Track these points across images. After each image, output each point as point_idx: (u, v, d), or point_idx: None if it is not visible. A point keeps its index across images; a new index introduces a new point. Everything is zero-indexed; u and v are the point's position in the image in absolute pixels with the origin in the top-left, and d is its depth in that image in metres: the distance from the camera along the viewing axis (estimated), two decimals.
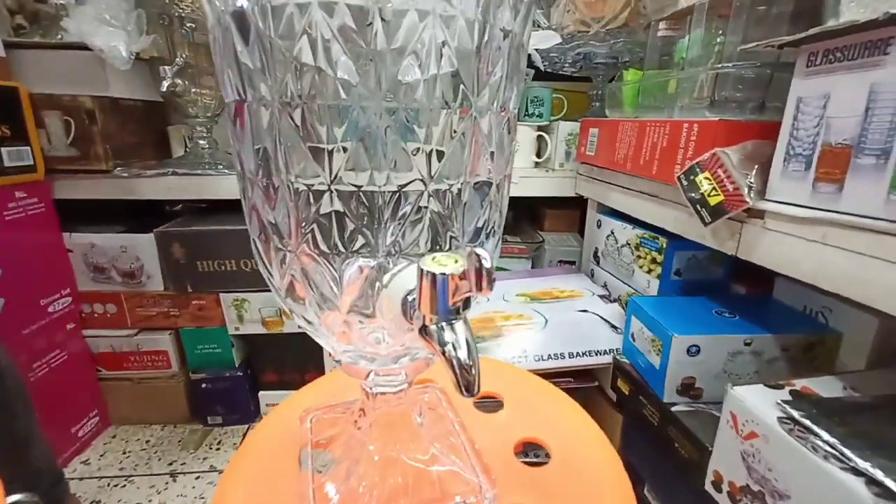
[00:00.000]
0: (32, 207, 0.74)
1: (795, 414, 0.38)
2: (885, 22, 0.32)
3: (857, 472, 0.33)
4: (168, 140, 0.94)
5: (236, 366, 0.92)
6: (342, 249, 0.19)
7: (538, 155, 0.92)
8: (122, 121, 0.81)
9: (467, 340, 0.16)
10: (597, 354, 0.65)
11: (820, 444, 0.36)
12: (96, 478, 0.80)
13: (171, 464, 0.84)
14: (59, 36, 0.75)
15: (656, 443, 0.56)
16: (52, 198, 0.79)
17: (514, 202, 0.88)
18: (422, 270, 0.16)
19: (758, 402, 0.41)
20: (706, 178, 0.47)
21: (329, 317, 0.22)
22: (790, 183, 0.42)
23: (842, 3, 0.38)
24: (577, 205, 0.97)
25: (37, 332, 0.76)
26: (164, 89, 0.76)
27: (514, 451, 0.32)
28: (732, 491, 0.43)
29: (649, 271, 0.66)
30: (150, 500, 0.76)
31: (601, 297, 0.74)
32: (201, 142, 0.86)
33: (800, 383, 0.44)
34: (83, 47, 0.70)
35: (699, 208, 0.48)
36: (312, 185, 0.19)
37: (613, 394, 0.67)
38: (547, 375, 0.66)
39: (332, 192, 0.19)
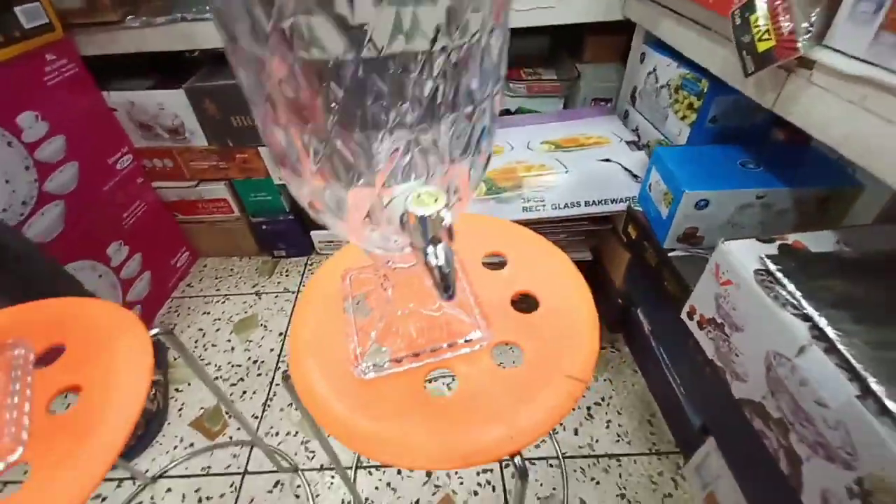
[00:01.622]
0: (66, 68, 0.76)
1: (772, 267, 0.43)
2: None
3: (806, 317, 0.39)
4: None
5: (287, 211, 1.04)
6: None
7: None
8: None
9: (446, 256, 0.21)
10: (612, 202, 0.69)
11: (783, 293, 0.41)
12: (201, 296, 1.03)
13: (254, 286, 1.05)
14: None
15: (651, 279, 0.64)
16: (80, 55, 0.79)
17: (553, 28, 0.79)
18: (405, 210, 0.20)
19: (741, 256, 0.45)
20: (763, 16, 0.41)
21: (340, 226, 0.27)
22: (855, 27, 0.37)
23: None
24: (624, 30, 0.84)
25: (114, 188, 0.87)
26: None
27: (511, 301, 0.40)
28: (701, 321, 0.52)
29: (683, 118, 0.63)
30: (245, 312, 0.99)
31: (629, 142, 0.73)
32: None
33: (793, 237, 0.47)
34: None
35: (744, 55, 0.44)
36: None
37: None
38: (564, 220, 0.71)
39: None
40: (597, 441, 0.71)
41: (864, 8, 0.36)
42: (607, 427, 0.73)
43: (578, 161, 0.70)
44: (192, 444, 0.77)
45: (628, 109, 0.79)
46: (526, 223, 0.74)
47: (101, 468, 0.30)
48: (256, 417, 0.80)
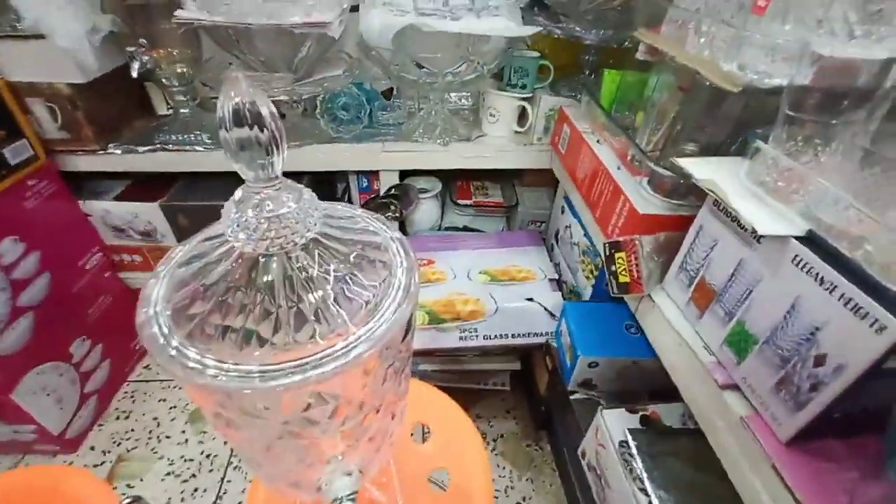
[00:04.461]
0: (45, 188, 0.82)
1: (631, 443, 0.56)
2: None
3: (646, 493, 0.52)
4: (148, 95, 0.94)
5: None
6: None
7: (520, 124, 0.91)
8: (102, 95, 0.81)
9: None
10: (534, 336, 0.82)
11: (636, 467, 0.54)
12: (157, 380, 1.08)
13: None
14: (13, 17, 0.70)
15: (562, 407, 0.77)
16: (59, 171, 0.85)
17: None
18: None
19: (612, 426, 0.58)
20: (621, 258, 0.55)
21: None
22: (677, 288, 0.51)
23: None
24: None
25: (83, 288, 0.92)
26: (136, 74, 0.75)
27: (428, 476, 0.51)
28: (588, 465, 0.65)
29: (587, 277, 0.78)
30: None
31: (551, 280, 0.87)
32: (183, 110, 0.87)
33: (652, 408, 0.61)
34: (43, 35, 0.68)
35: (611, 279, 0.57)
36: None
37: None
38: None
39: None
40: None
41: (682, 278, 0.50)
42: None
43: (508, 298, 0.83)
44: None
45: (553, 245, 0.93)
46: (463, 349, 0.86)
47: None
48: None
